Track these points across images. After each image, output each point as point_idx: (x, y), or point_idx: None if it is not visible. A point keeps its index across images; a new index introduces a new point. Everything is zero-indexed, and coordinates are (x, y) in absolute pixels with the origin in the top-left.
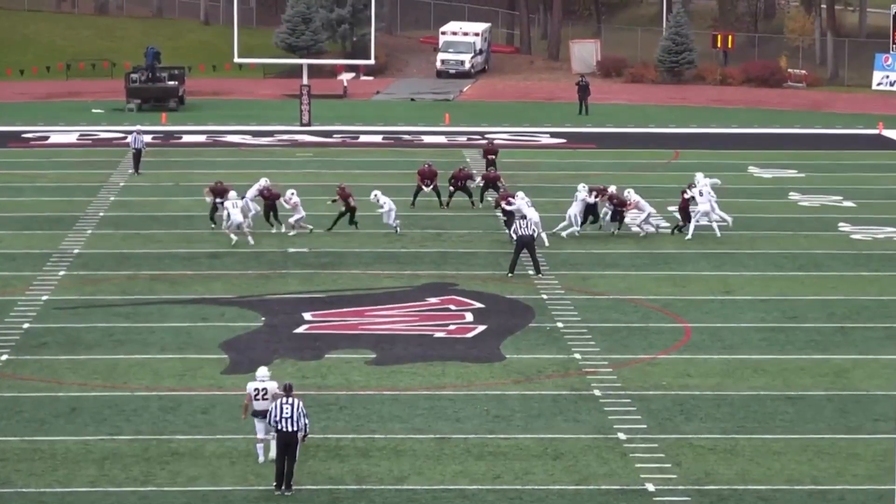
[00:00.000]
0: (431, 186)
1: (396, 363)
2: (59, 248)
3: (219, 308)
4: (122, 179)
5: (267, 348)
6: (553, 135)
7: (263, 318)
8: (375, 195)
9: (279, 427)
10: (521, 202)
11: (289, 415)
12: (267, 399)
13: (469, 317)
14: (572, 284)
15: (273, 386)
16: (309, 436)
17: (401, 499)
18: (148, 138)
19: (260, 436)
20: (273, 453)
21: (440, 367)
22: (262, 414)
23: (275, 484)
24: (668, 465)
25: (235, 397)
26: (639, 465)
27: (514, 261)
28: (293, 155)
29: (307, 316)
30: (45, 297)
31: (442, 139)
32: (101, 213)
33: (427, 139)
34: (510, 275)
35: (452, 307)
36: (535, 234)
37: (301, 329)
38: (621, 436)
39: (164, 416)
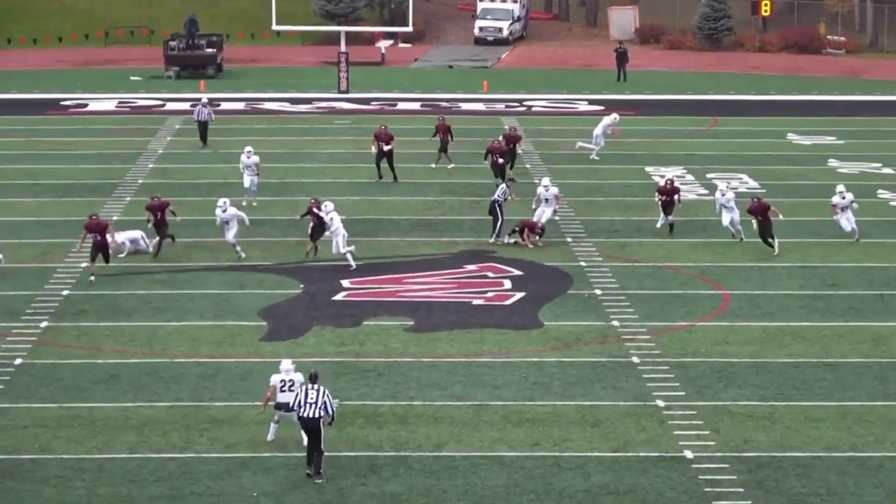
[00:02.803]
0: (388, 149)
1: (434, 330)
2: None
3: (257, 275)
4: (160, 147)
5: (305, 315)
6: (591, 102)
7: (302, 286)
8: (328, 212)
9: (302, 413)
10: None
11: (314, 400)
12: (293, 391)
13: (507, 284)
14: (610, 252)
15: (299, 378)
16: (344, 403)
17: (439, 466)
18: (202, 110)
19: (276, 418)
20: (271, 435)
21: (478, 334)
22: (286, 407)
23: (306, 472)
24: (707, 433)
25: (273, 364)
26: (677, 433)
27: (494, 226)
28: (331, 122)
29: (345, 283)
30: (84, 265)
31: (480, 106)
32: (140, 181)
33: (465, 106)
34: (491, 240)
35: (490, 274)
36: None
37: (339, 296)
38: (660, 403)
39: (203, 383)
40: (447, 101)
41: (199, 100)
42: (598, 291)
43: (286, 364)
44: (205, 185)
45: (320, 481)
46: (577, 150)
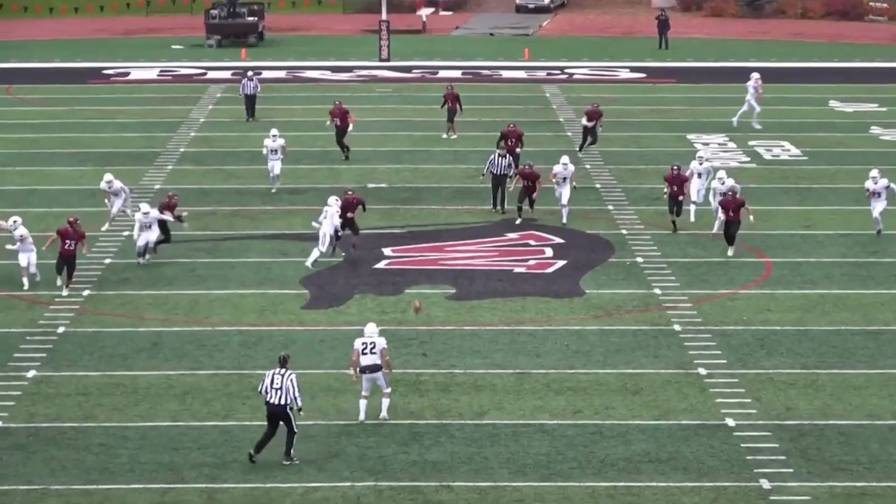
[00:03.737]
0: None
1: (476, 298)
2: (140, 184)
3: (299, 243)
4: (201, 115)
5: (346, 283)
6: (633, 69)
7: (343, 254)
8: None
9: (267, 399)
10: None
11: (278, 385)
12: (375, 353)
13: (548, 252)
14: (652, 219)
15: (382, 342)
16: (387, 374)
17: (481, 433)
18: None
19: (364, 393)
20: (362, 414)
21: (520, 302)
22: (370, 369)
23: (251, 452)
24: (749, 400)
25: (315, 332)
26: (719, 400)
27: (495, 197)
28: (372, 90)
29: (387, 251)
30: (126, 233)
31: (521, 74)
32: (182, 149)
33: (506, 74)
34: (494, 209)
35: (532, 242)
36: (510, 174)
37: (381, 264)
38: (701, 371)
39: (245, 351)
40: (488, 69)
41: (245, 72)
42: (639, 259)
43: (371, 328)
44: (246, 153)
45: (287, 462)
46: (736, 127)
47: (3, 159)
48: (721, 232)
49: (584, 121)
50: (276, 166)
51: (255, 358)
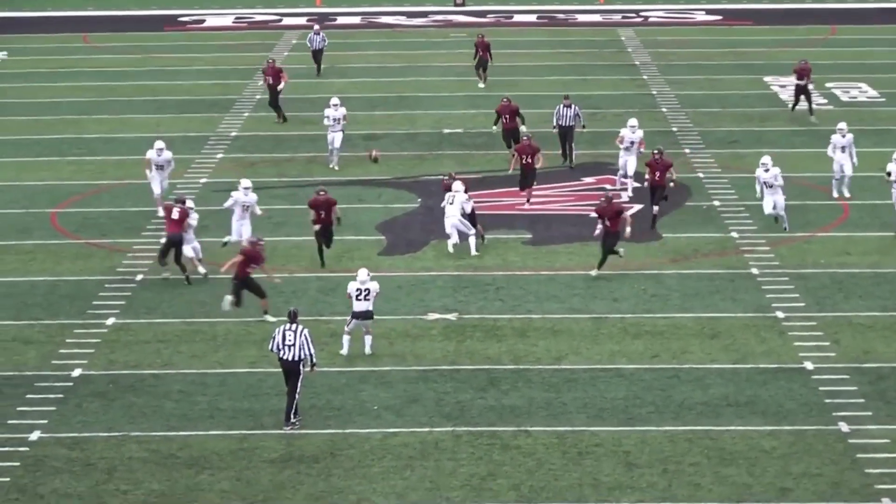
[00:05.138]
0: (279, 86)
1: (553, 243)
2: (217, 132)
3: (375, 189)
4: (277, 62)
5: (423, 229)
6: (709, 11)
7: (420, 200)
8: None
9: (280, 356)
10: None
11: (291, 342)
12: (369, 300)
13: (625, 196)
14: (729, 163)
15: (375, 287)
16: (463, 317)
17: (558, 378)
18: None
19: (348, 330)
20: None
21: (596, 246)
22: (363, 315)
23: (284, 425)
24: (827, 343)
25: (392, 278)
26: (797, 344)
27: (563, 149)
28: (447, 36)
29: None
30: (203, 180)
31: (597, 17)
32: (258, 96)
33: (581, 18)
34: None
35: (608, 187)
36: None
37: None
38: (779, 314)
39: (323, 298)
40: (563, 13)
41: (312, 26)
42: (716, 203)
43: (363, 273)
44: (322, 99)
45: (288, 429)
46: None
47: (81, 107)
48: (770, 212)
49: (794, 79)
50: (336, 139)
51: (333, 304)
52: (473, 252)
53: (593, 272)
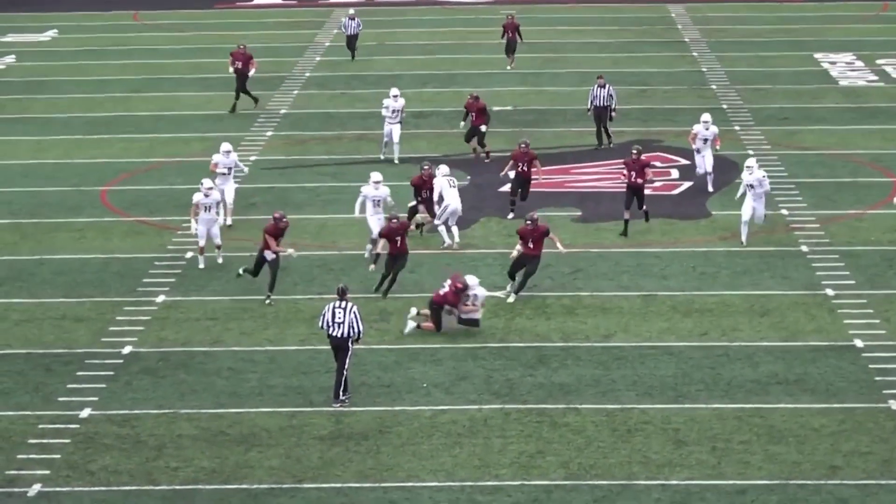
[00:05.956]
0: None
1: (602, 220)
2: (266, 109)
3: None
4: (327, 39)
5: (472, 206)
6: None
7: (469, 177)
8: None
9: (330, 332)
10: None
11: (341, 320)
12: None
13: (674, 174)
14: (779, 140)
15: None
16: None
17: (607, 356)
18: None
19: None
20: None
21: (645, 224)
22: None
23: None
24: (877, 321)
25: (440, 255)
26: (847, 321)
27: (598, 130)
28: (497, 12)
29: (512, 174)
30: (253, 158)
31: None
32: (307, 74)
33: None
34: (606, 145)
35: (658, 164)
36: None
37: (506, 187)
38: (829, 292)
39: (373, 275)
40: None
41: (348, 13)
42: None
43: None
44: (371, 76)
45: (338, 406)
46: None
47: (131, 85)
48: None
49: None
50: (395, 131)
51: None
52: (457, 240)
53: (510, 298)
